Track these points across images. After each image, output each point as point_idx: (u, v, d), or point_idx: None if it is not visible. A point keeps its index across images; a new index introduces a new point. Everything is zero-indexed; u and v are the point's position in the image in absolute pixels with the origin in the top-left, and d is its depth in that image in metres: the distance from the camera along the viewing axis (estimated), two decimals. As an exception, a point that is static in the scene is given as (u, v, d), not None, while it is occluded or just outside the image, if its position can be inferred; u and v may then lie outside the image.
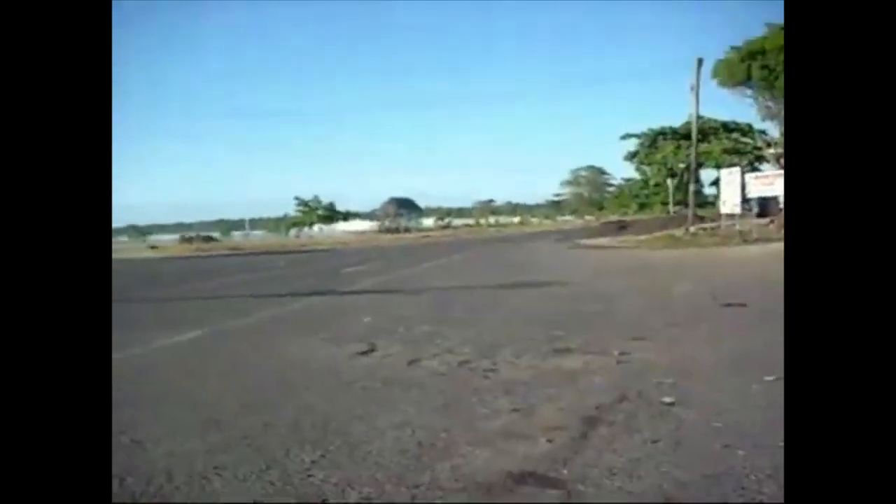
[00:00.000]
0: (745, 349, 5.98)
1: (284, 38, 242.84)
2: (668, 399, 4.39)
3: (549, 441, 3.63)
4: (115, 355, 5.99)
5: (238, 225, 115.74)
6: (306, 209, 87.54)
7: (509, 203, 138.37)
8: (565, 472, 3.25)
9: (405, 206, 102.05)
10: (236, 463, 3.50)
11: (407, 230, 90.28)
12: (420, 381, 5.20)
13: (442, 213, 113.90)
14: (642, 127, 72.39)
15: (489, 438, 3.76)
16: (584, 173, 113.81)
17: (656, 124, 70.39)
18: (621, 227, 42.58)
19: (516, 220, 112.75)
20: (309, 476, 3.29)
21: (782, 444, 3.01)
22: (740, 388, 4.59)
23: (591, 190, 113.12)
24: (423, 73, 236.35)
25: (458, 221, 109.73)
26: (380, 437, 3.83)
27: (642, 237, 31.86)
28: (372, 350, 6.49)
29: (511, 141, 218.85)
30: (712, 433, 3.72)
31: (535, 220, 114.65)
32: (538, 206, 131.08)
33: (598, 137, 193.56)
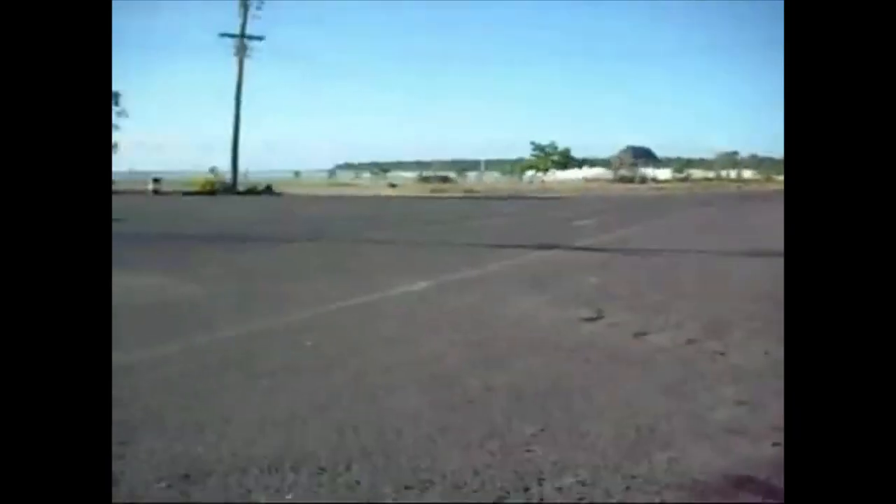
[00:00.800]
0: None
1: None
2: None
3: (775, 445, 3.46)
4: (359, 299, 6.56)
5: (474, 165, 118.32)
6: (541, 154, 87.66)
7: (754, 156, 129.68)
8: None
9: (641, 154, 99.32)
10: (461, 427, 3.67)
11: (642, 180, 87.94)
12: (645, 356, 5.12)
13: (680, 163, 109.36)
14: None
15: (711, 432, 3.65)
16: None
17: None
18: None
19: (758, 175, 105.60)
20: (528, 451, 3.37)
21: None
22: None
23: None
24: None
25: (696, 173, 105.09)
26: (599, 417, 3.83)
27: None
28: (598, 317, 6.47)
29: (761, 91, 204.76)
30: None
31: (780, 177, 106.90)
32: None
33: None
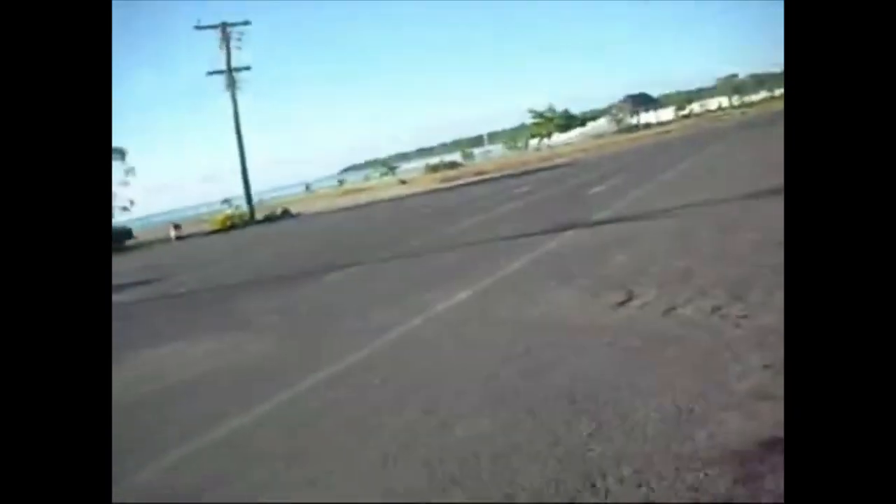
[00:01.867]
0: None
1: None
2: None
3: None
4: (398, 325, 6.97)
5: (476, 141, 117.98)
6: (542, 120, 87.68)
7: (754, 76, 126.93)
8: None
9: (640, 101, 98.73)
10: (529, 440, 4.17)
11: (647, 126, 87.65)
12: (676, 334, 5.60)
13: (681, 99, 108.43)
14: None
15: (741, 402, 4.15)
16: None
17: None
18: None
19: (762, 95, 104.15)
20: (588, 451, 3.88)
21: None
22: None
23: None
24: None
25: (698, 108, 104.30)
26: (644, 405, 4.33)
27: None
28: (629, 299, 6.96)
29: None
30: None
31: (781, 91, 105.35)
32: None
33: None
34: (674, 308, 6.35)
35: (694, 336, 5.52)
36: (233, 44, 43.20)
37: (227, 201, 68.74)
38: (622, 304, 6.86)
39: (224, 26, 42.92)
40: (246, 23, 43.52)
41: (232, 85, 43.20)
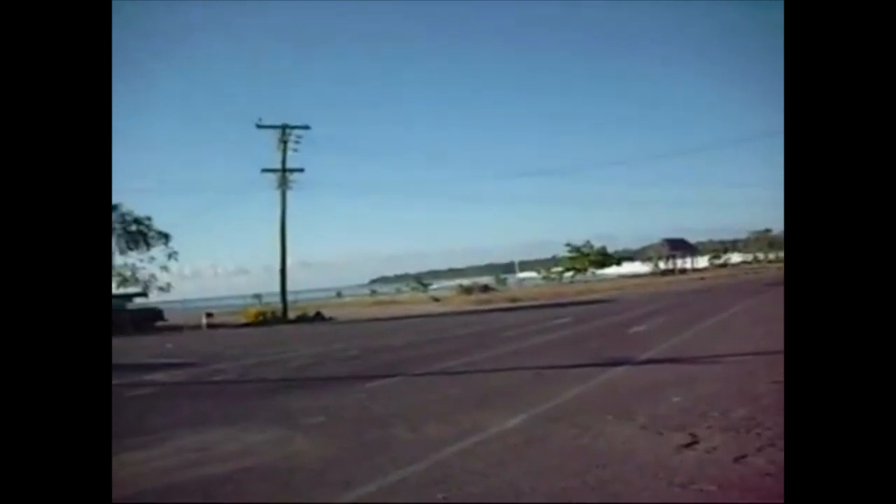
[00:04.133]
0: None
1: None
2: None
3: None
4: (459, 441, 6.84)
5: (508, 268, 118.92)
6: (578, 255, 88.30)
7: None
8: None
9: (678, 246, 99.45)
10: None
11: (682, 271, 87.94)
12: (749, 480, 5.50)
13: (717, 248, 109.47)
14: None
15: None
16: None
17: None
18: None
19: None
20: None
21: None
22: None
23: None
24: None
25: (734, 258, 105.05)
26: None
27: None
28: (694, 442, 6.86)
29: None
30: None
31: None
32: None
33: None
34: (744, 456, 6.20)
35: (764, 484, 5.38)
36: (290, 145, 44.48)
37: (257, 296, 69.43)
38: (687, 445, 6.73)
39: (284, 128, 44.36)
40: (306, 127, 44.96)
41: (283, 184, 44.24)
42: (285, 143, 44.60)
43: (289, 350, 21.91)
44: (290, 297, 47.05)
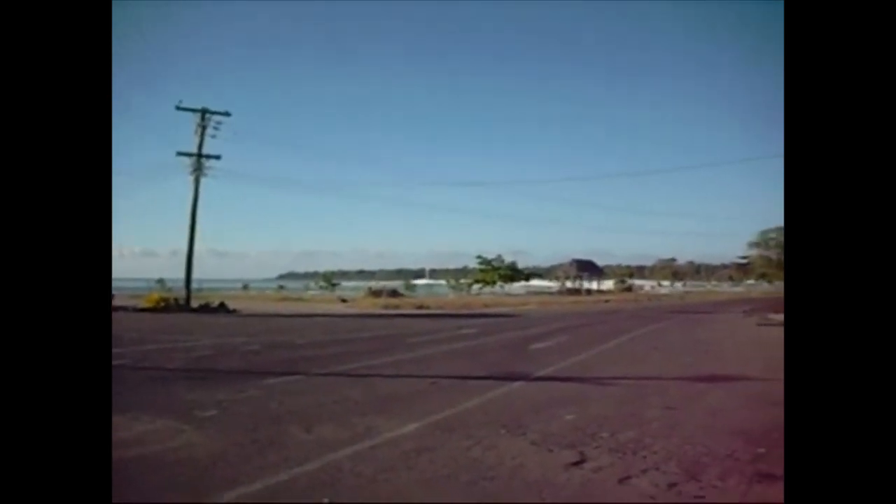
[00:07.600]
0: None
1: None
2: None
3: None
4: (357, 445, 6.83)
5: (418, 274, 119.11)
6: (489, 268, 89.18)
7: (691, 263, 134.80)
8: None
9: (586, 268, 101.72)
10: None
11: (588, 292, 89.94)
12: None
13: (622, 272, 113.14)
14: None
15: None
16: (773, 235, 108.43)
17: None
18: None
19: (705, 284, 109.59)
20: None
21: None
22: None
23: (782, 253, 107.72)
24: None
25: (638, 282, 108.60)
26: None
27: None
28: (582, 460, 7.02)
29: (697, 201, 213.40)
30: None
31: (714, 283, 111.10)
32: (723, 266, 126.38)
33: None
34: (628, 478, 6.41)
35: (651, 510, 5.57)
36: (208, 131, 43.49)
37: (161, 281, 67.52)
38: (576, 464, 6.89)
39: (204, 112, 43.37)
40: (226, 113, 44.00)
41: (198, 170, 43.19)
42: (203, 128, 43.58)
43: (189, 339, 21.36)
44: (195, 286, 45.90)
